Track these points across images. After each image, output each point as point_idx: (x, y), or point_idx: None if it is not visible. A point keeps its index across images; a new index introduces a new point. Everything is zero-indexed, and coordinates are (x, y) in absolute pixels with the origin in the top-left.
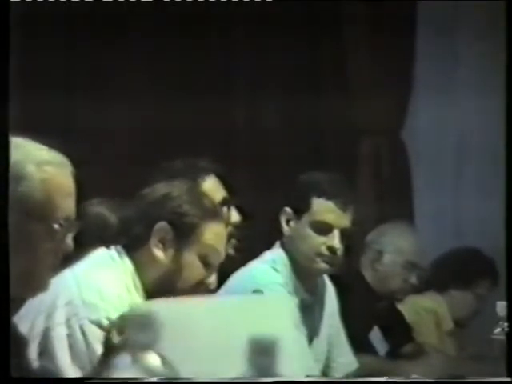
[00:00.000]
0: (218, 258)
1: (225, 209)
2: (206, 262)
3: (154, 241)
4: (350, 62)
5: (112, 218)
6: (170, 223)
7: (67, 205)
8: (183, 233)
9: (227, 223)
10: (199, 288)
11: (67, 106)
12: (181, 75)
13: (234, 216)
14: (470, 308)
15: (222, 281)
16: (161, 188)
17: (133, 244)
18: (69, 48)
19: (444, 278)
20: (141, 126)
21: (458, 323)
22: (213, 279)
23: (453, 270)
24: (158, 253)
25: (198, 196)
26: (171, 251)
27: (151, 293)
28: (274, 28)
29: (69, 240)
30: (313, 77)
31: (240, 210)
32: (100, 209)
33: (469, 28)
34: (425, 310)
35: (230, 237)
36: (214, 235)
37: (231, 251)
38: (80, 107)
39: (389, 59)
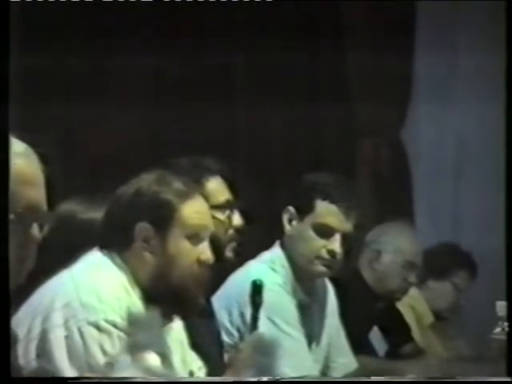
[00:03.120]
0: (205, 232)
1: (227, 211)
2: (194, 240)
3: (138, 243)
4: (350, 63)
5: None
6: (148, 220)
7: (29, 194)
8: (164, 223)
9: (229, 226)
10: (196, 267)
11: (67, 106)
12: (181, 75)
13: (237, 219)
14: (449, 299)
15: (220, 281)
16: (130, 186)
17: (119, 247)
18: (68, 48)
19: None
20: (141, 126)
21: (439, 316)
22: (208, 255)
23: (429, 262)
24: (146, 253)
25: (168, 181)
26: (158, 246)
27: (150, 290)
28: (274, 28)
29: (34, 231)
30: (313, 77)
31: (243, 214)
32: (93, 209)
33: (469, 28)
34: (402, 306)
35: (230, 240)
36: (195, 213)
37: (230, 254)
38: (81, 107)
39: (389, 59)
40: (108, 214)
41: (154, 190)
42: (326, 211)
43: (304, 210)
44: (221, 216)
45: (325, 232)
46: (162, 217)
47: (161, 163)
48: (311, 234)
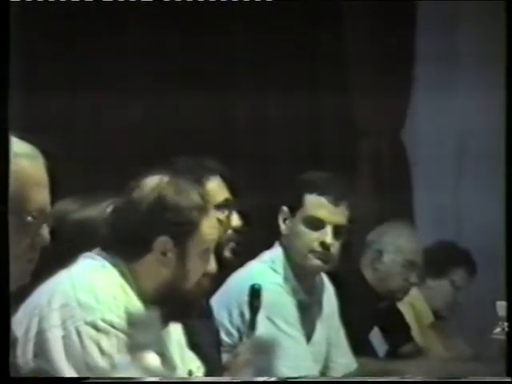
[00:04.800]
0: (213, 244)
1: (226, 211)
2: (205, 255)
3: (155, 255)
4: (350, 62)
5: (104, 221)
6: (170, 234)
7: (40, 196)
8: (184, 239)
9: (228, 226)
10: (203, 280)
11: (68, 105)
12: (180, 74)
13: (236, 220)
14: (448, 297)
15: (220, 281)
16: (148, 193)
17: (129, 254)
18: (68, 47)
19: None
20: (140, 125)
21: (438, 314)
22: (213, 266)
23: (427, 260)
24: (160, 265)
25: (187, 194)
26: (174, 260)
27: (152, 298)
28: (274, 28)
29: (44, 232)
30: (313, 77)
31: (242, 214)
32: (93, 211)
33: (469, 28)
34: (402, 305)
35: (229, 240)
36: (211, 228)
37: (229, 255)
38: (81, 106)
39: (389, 59)
40: (120, 218)
41: (179, 205)
42: (315, 204)
43: (296, 207)
44: (220, 215)
45: (315, 224)
46: (184, 233)
47: (161, 163)
48: (303, 228)
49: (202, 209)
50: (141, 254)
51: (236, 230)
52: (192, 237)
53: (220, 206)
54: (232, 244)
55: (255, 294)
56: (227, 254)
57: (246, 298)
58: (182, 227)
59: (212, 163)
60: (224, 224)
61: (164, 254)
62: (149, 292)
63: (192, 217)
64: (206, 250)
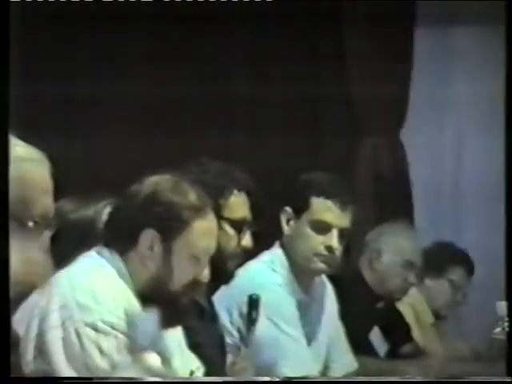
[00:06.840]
0: (208, 254)
1: (241, 229)
2: (195, 262)
3: (142, 247)
4: (350, 63)
5: (98, 219)
6: (157, 228)
7: (43, 202)
8: (172, 236)
9: (237, 244)
10: (193, 285)
11: (68, 105)
12: (180, 76)
13: (247, 240)
14: (447, 296)
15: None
16: (146, 187)
17: (121, 248)
18: (68, 47)
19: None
20: (140, 127)
21: (438, 315)
22: (205, 273)
23: (425, 260)
24: (147, 259)
25: (183, 191)
26: (160, 256)
27: (143, 296)
28: (274, 28)
29: (45, 238)
30: (313, 77)
31: (255, 236)
32: (90, 210)
33: (469, 27)
34: (402, 305)
35: (235, 258)
36: (204, 234)
37: (230, 269)
38: (81, 106)
39: (388, 59)
40: (118, 210)
41: (170, 201)
42: (322, 207)
43: (300, 209)
44: (231, 231)
45: (322, 228)
46: (172, 229)
47: (192, 161)
48: (308, 231)
49: (197, 210)
50: (130, 246)
51: (244, 250)
52: (180, 235)
53: (234, 222)
54: (237, 261)
55: (253, 304)
56: (229, 267)
57: (245, 297)
58: (169, 223)
59: (241, 175)
60: (233, 240)
61: (150, 248)
62: (140, 289)
63: (182, 215)
64: (196, 257)
